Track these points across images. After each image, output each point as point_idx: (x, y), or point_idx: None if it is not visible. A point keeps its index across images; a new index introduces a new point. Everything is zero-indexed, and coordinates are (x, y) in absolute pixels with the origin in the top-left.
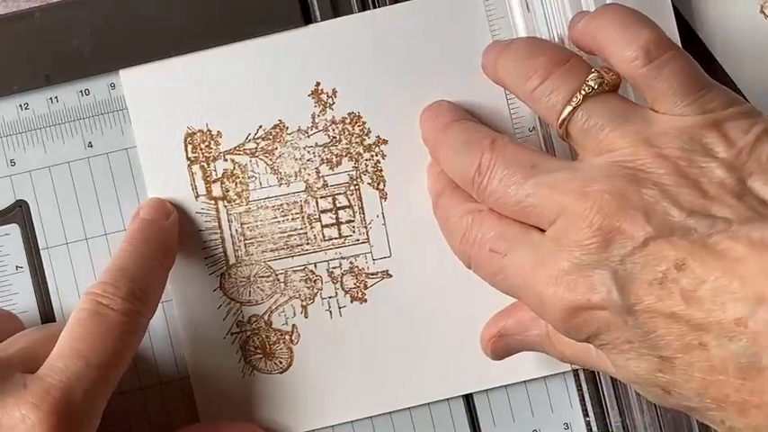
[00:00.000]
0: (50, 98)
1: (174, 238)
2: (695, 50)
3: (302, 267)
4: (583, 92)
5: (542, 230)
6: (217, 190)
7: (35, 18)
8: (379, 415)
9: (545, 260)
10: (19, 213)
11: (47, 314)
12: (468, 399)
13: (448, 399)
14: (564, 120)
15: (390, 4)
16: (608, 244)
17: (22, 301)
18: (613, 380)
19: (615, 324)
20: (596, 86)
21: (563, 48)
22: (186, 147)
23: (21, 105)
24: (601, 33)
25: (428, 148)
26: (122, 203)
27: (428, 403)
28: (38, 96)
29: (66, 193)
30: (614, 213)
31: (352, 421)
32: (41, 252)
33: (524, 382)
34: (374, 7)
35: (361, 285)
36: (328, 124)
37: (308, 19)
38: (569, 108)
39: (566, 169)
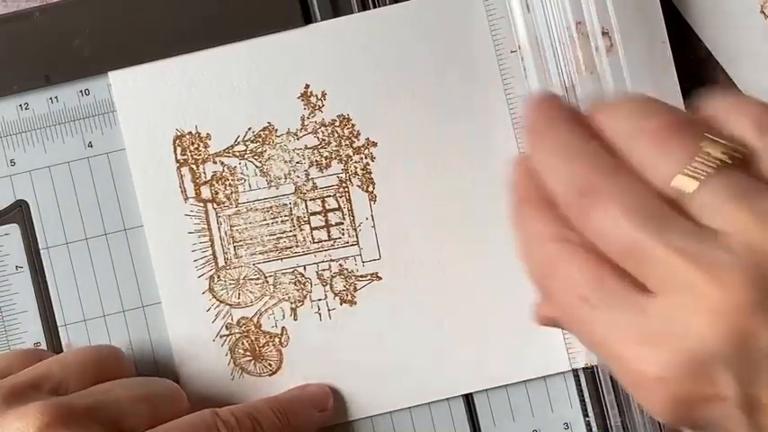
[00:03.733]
0: (50, 98)
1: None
2: (695, 51)
3: (291, 270)
4: (709, 163)
5: (646, 289)
6: (206, 192)
7: (35, 18)
8: (379, 415)
9: (652, 338)
10: (19, 213)
11: (47, 314)
12: (468, 398)
13: (447, 399)
14: (690, 194)
15: (390, 3)
16: (740, 344)
17: (22, 302)
18: (613, 380)
19: (735, 417)
20: (724, 159)
21: (676, 109)
22: (175, 149)
23: (21, 105)
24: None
25: (528, 140)
26: (122, 203)
27: (428, 403)
28: (38, 96)
29: (66, 193)
30: (750, 315)
31: (352, 420)
32: (41, 252)
33: (524, 381)
34: (374, 7)
35: (351, 288)
36: (317, 126)
37: (308, 19)
38: (695, 182)
39: (698, 236)
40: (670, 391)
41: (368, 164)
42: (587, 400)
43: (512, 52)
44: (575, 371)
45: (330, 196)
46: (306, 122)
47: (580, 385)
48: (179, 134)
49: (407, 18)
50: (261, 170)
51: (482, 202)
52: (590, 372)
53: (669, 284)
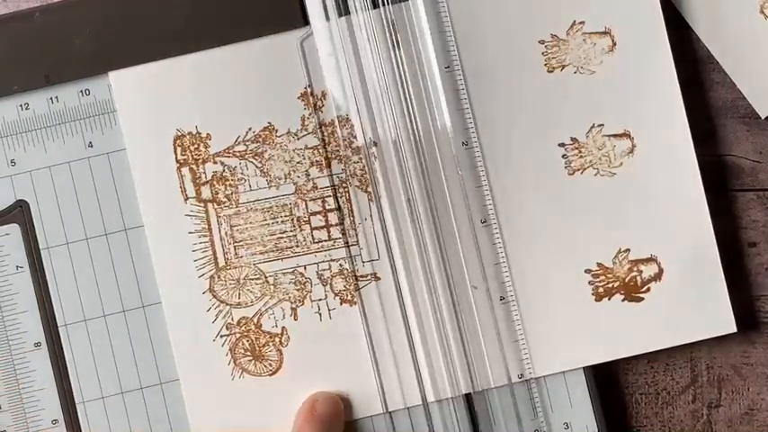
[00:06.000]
0: (51, 98)
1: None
2: (694, 51)
3: (292, 270)
4: None
5: None
6: (206, 192)
7: (35, 18)
8: (379, 414)
9: None
10: (19, 213)
11: (47, 314)
12: (468, 399)
13: (447, 398)
14: None
15: (393, 3)
16: None
17: (23, 301)
18: (613, 380)
19: None
20: None
21: None
22: (176, 149)
23: (21, 105)
24: None
25: None
26: (122, 203)
27: (428, 403)
28: (38, 96)
29: (66, 192)
30: None
31: (352, 420)
32: (42, 252)
33: (525, 381)
34: (374, 8)
35: (351, 288)
36: (318, 127)
37: (307, 19)
38: None
39: None
40: None
41: (368, 164)
42: (588, 399)
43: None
44: (574, 370)
45: (330, 196)
46: (306, 123)
47: (580, 385)
48: (179, 134)
49: (407, 18)
50: (261, 170)
51: (480, 200)
52: (589, 371)
53: None
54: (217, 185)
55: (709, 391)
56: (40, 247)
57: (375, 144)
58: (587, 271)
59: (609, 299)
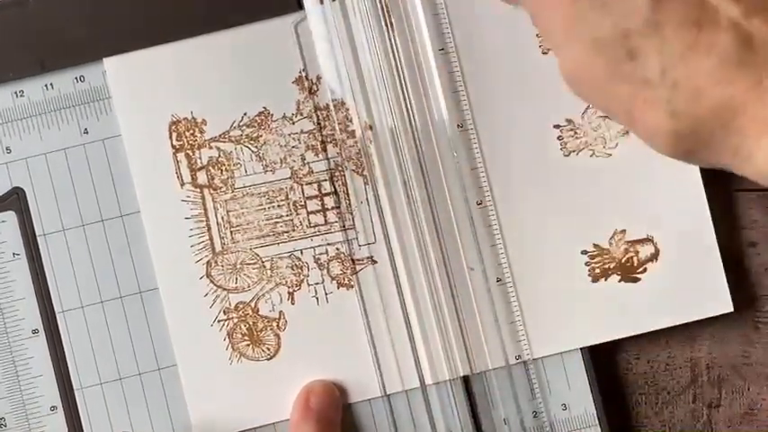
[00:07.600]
0: (46, 85)
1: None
2: None
3: (288, 254)
4: None
5: None
6: (202, 177)
7: (30, 5)
8: (377, 398)
9: None
10: (15, 200)
11: (44, 301)
12: (465, 381)
13: (445, 381)
14: None
15: None
16: None
17: (20, 288)
18: (608, 360)
19: None
20: None
21: None
22: (171, 135)
23: (16, 92)
24: None
25: None
26: (118, 189)
27: (425, 386)
28: (33, 83)
29: (62, 179)
30: None
31: (350, 404)
32: (38, 239)
33: (523, 362)
34: None
35: (348, 271)
36: (312, 111)
37: (301, 4)
38: None
39: None
40: None
41: (363, 147)
42: (585, 381)
43: None
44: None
45: (326, 180)
46: (301, 107)
47: (578, 367)
48: (174, 120)
49: (400, 0)
50: (257, 155)
51: (476, 182)
52: (587, 353)
53: None
54: (213, 171)
55: (709, 391)
56: (37, 233)
57: (370, 127)
58: (584, 252)
59: (605, 279)
